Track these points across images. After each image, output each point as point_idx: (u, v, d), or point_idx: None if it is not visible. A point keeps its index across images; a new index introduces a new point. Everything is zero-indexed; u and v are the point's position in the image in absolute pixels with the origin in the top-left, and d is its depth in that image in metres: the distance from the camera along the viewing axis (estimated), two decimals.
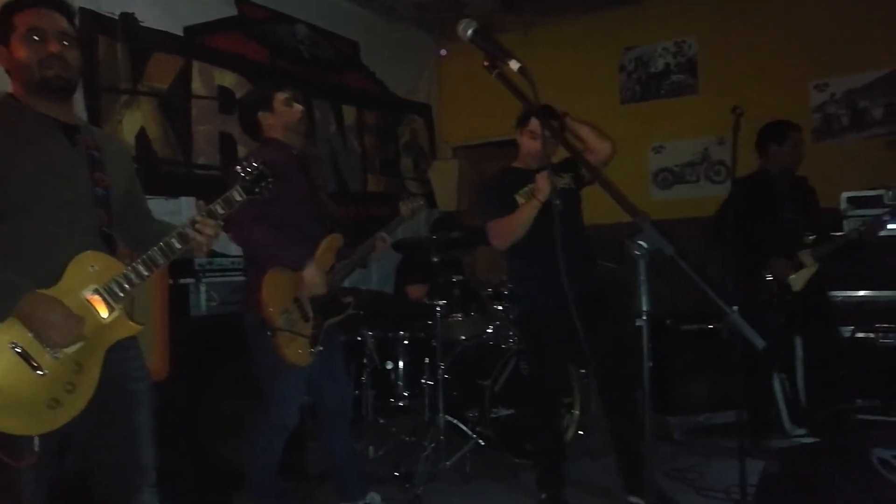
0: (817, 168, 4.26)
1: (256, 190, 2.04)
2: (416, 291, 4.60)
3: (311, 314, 2.77)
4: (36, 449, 1.67)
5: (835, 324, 3.91)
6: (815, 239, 3.70)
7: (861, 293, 3.96)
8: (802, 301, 3.63)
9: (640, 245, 1.56)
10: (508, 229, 3.11)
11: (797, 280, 3.64)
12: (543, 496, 3.13)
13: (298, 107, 2.90)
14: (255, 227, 2.58)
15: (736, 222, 3.63)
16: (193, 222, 1.89)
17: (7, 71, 1.86)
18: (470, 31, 1.77)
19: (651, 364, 1.63)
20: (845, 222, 4.05)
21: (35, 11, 1.81)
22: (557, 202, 2.97)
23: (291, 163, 2.81)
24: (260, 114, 2.86)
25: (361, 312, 4.02)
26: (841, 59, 4.81)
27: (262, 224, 2.59)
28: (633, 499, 3.08)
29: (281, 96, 2.87)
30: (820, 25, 4.86)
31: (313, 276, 2.73)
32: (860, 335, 3.90)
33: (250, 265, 2.84)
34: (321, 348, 2.77)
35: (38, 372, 1.68)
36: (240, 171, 2.02)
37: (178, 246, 1.87)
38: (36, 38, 1.79)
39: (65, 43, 1.83)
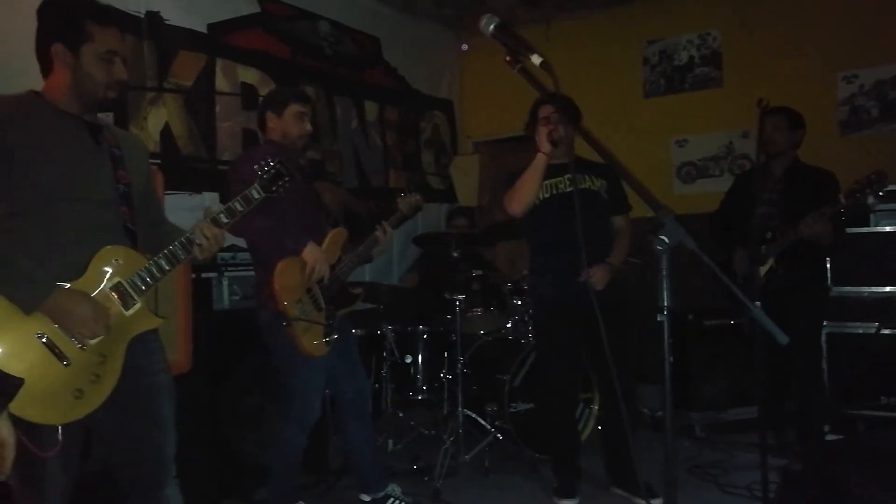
0: (845, 161, 4.16)
1: (274, 188, 2.08)
2: (411, 280, 4.88)
3: (322, 304, 2.79)
4: (60, 438, 1.70)
5: (814, 325, 3.63)
6: (773, 235, 3.47)
7: (888, 289, 3.87)
8: (774, 299, 3.32)
9: (663, 240, 1.54)
10: (517, 191, 3.12)
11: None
12: (556, 485, 3.23)
13: (308, 126, 2.89)
14: (256, 215, 2.41)
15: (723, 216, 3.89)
16: (203, 222, 1.94)
17: (49, 65, 1.86)
18: (492, 27, 1.77)
19: (672, 359, 1.61)
20: (872, 217, 3.96)
21: (114, 33, 1.86)
22: (570, 184, 3.07)
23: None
24: (268, 113, 2.89)
25: (381, 307, 4.04)
26: (870, 50, 4.70)
27: (262, 213, 2.43)
28: (618, 490, 3.24)
29: (295, 108, 2.86)
30: (847, 15, 4.75)
31: (312, 254, 2.72)
32: (886, 332, 3.82)
33: (258, 263, 2.85)
34: (336, 337, 2.79)
35: (64, 362, 1.71)
36: (258, 169, 2.06)
37: (197, 242, 1.92)
38: (111, 60, 1.84)
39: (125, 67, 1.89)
